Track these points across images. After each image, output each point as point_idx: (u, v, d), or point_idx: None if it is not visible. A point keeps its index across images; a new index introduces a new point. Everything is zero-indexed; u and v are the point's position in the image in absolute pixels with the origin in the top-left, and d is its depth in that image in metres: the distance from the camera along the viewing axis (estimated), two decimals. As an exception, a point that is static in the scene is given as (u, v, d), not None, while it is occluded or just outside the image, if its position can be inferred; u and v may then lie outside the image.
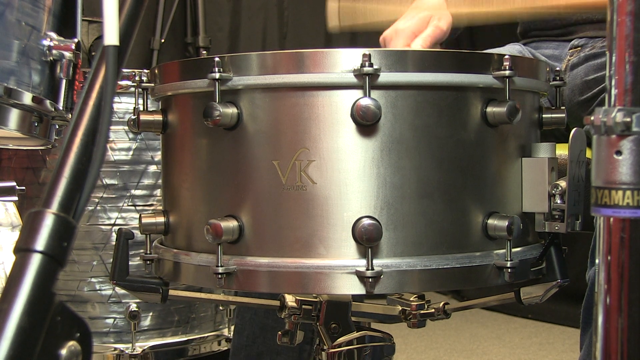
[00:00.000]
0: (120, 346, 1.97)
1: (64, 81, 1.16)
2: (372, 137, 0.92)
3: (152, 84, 1.09)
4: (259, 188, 0.95)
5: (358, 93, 0.92)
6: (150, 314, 2.00)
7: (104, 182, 1.95)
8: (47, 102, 1.14)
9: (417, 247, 0.94)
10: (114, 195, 1.96)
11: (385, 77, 0.91)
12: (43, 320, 0.62)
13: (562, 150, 1.11)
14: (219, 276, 0.95)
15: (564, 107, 1.10)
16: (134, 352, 1.96)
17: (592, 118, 0.67)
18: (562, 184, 0.98)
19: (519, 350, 3.01)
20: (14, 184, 1.50)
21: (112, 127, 1.91)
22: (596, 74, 1.44)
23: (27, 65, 1.10)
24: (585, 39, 1.51)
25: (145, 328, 1.99)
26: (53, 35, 1.14)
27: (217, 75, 0.94)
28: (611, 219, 0.67)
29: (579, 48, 1.51)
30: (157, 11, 3.39)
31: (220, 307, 2.13)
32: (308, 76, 0.93)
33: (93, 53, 2.94)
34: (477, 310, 3.51)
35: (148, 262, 1.09)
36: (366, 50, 0.91)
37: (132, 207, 1.97)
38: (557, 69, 1.13)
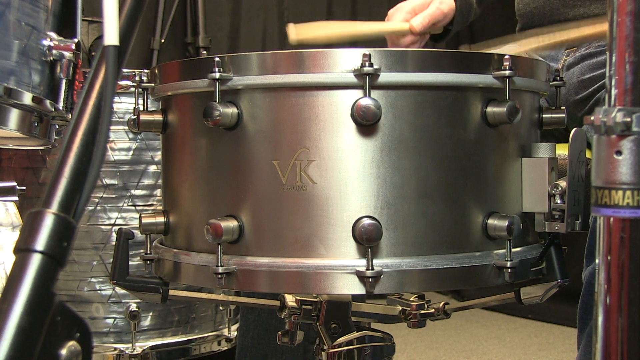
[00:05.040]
0: (120, 346, 1.97)
1: (64, 81, 1.16)
2: (372, 137, 0.92)
3: (152, 84, 1.09)
4: (259, 188, 0.95)
5: (358, 93, 0.92)
6: (150, 314, 2.00)
7: (104, 182, 1.95)
8: (47, 102, 1.14)
9: (417, 247, 0.93)
10: (114, 195, 1.96)
11: (385, 77, 0.91)
12: (43, 320, 0.62)
13: (562, 150, 1.11)
14: (219, 276, 0.95)
15: (564, 107, 1.10)
16: (134, 352, 1.96)
17: (592, 118, 0.67)
18: (562, 184, 0.98)
19: (519, 350, 3.01)
20: (14, 184, 1.50)
21: (112, 127, 1.91)
22: (592, 73, 1.44)
23: (27, 65, 1.10)
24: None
25: (145, 328, 1.99)
26: (53, 35, 1.14)
27: (217, 75, 0.94)
28: (611, 219, 0.67)
29: (575, 48, 1.51)
30: (157, 11, 3.39)
31: (220, 307, 2.13)
32: (308, 76, 0.93)
33: (93, 53, 2.94)
34: (477, 310, 3.51)
35: (148, 262, 1.09)
36: (366, 50, 0.91)
37: (132, 207, 1.97)
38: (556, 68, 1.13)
